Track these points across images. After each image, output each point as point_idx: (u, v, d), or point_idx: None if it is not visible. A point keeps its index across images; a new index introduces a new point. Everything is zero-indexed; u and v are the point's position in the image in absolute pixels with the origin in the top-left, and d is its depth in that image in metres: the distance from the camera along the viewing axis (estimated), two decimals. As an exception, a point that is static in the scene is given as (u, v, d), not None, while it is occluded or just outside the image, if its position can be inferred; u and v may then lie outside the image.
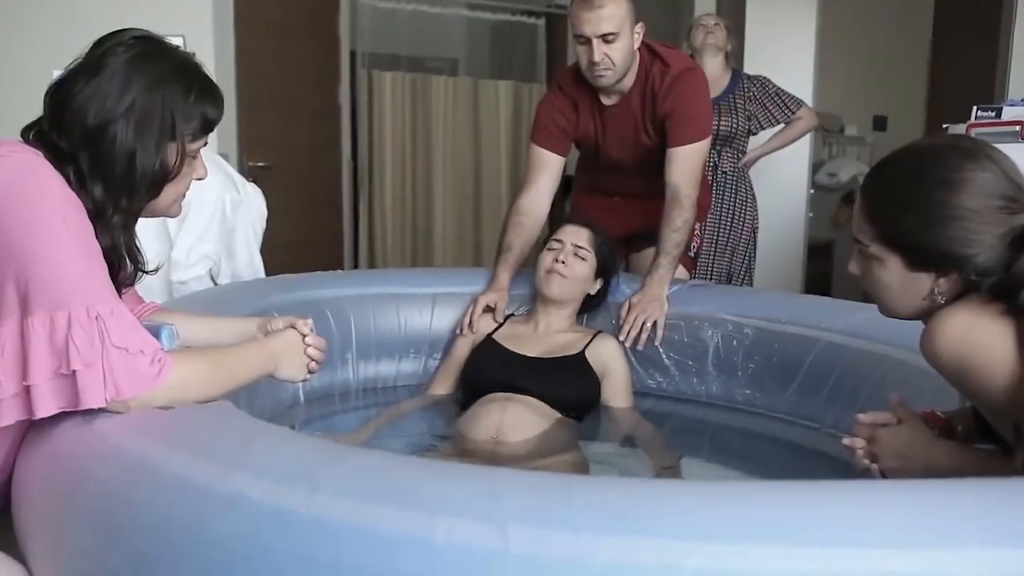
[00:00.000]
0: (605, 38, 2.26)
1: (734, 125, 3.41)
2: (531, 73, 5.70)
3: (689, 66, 2.44)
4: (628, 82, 2.39)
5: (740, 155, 3.52)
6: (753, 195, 3.55)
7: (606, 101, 2.43)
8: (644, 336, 2.26)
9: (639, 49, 2.37)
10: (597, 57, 2.27)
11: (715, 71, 3.40)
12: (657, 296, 2.29)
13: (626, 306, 2.30)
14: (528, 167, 2.56)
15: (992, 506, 0.87)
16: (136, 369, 1.18)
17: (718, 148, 3.39)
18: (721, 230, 3.45)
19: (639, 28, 2.34)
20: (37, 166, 1.20)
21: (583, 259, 2.27)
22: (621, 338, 2.25)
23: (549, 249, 2.29)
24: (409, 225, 5.37)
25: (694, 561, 0.80)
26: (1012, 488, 0.92)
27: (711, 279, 3.42)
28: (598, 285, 2.34)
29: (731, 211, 3.47)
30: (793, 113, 3.53)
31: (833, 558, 0.81)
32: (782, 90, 3.53)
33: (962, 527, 0.84)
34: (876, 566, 0.80)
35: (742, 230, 3.49)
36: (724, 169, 3.43)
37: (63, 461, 1.17)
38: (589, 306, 2.39)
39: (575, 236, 2.29)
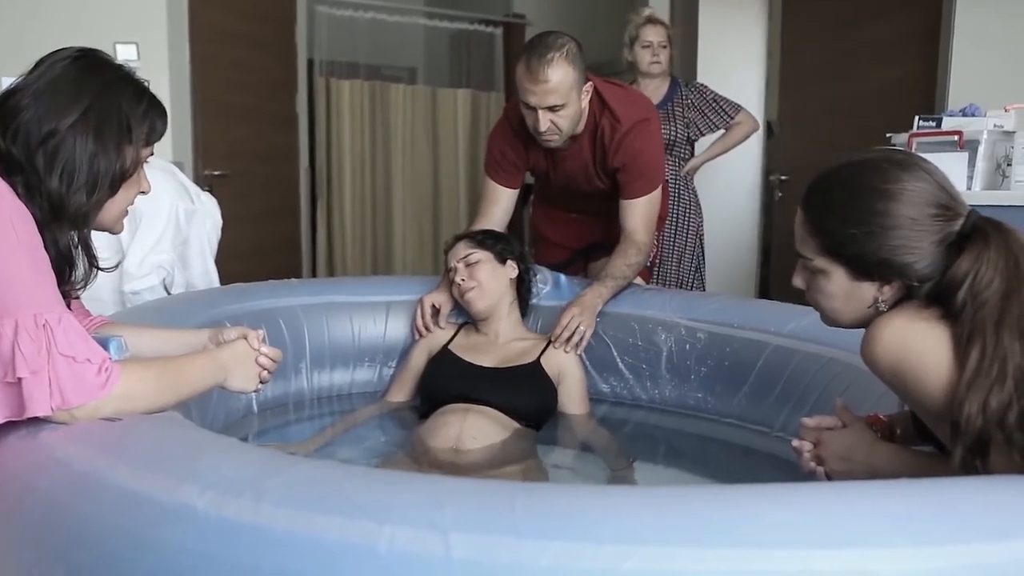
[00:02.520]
0: (552, 108, 2.24)
1: (673, 133, 3.44)
2: (489, 82, 5.73)
3: (640, 118, 2.39)
4: (578, 129, 2.37)
5: (682, 162, 3.55)
6: (697, 202, 3.59)
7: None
8: (576, 340, 2.23)
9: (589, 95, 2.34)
10: (543, 127, 2.26)
11: (656, 81, 3.46)
12: (592, 306, 2.29)
13: (562, 309, 2.30)
14: (482, 197, 2.59)
15: (918, 506, 0.91)
16: (82, 378, 1.17)
17: (675, 153, 3.43)
18: (666, 237, 3.49)
19: (587, 88, 2.30)
20: None
21: (476, 260, 2.28)
22: (553, 338, 2.24)
23: (451, 282, 2.31)
24: (368, 233, 5.37)
25: (631, 564, 0.82)
26: (936, 488, 0.95)
27: (668, 285, 3.46)
28: (513, 268, 2.33)
29: (674, 218, 3.50)
30: (732, 118, 3.53)
31: (762, 559, 0.83)
32: (720, 96, 3.54)
33: (888, 526, 0.87)
34: (805, 566, 0.82)
35: (687, 236, 3.53)
36: (666, 177, 3.46)
37: (5, 474, 1.16)
38: (525, 296, 2.39)
39: (455, 252, 2.32)
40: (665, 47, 3.46)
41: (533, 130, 2.31)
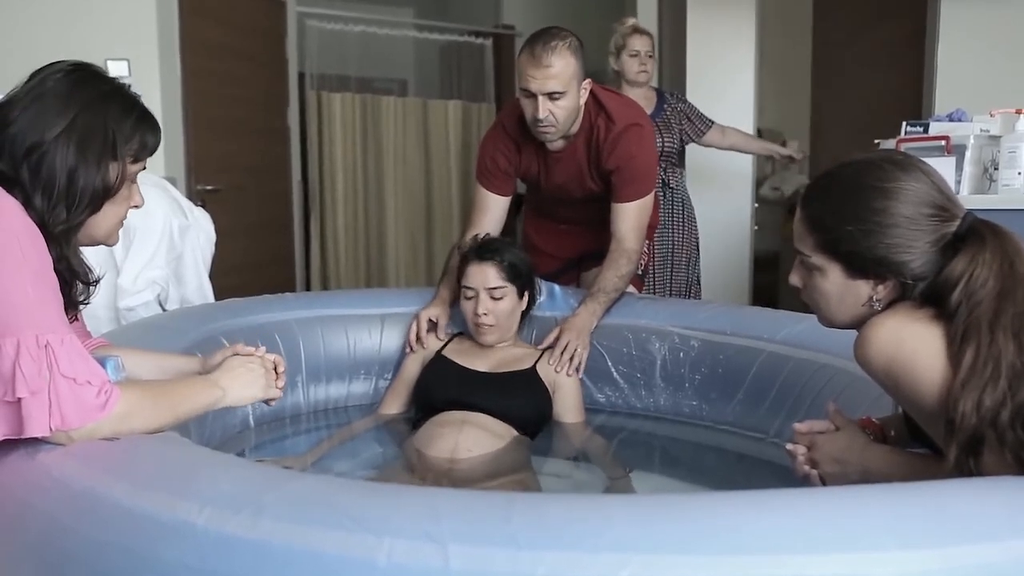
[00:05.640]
0: (551, 96, 2.25)
1: (670, 143, 3.47)
2: (480, 93, 5.74)
3: (634, 121, 2.41)
4: (573, 129, 2.39)
5: (682, 169, 3.59)
6: (692, 207, 3.65)
7: (551, 146, 2.43)
8: (573, 365, 2.24)
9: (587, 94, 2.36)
10: (541, 114, 2.27)
11: (642, 91, 3.48)
12: (585, 327, 2.30)
13: (557, 331, 2.30)
14: (473, 206, 2.59)
15: (909, 509, 0.92)
16: (82, 399, 1.18)
17: (663, 165, 3.45)
18: (677, 244, 3.53)
19: (586, 84, 2.32)
20: None
21: (500, 297, 2.23)
22: (551, 362, 2.23)
23: (466, 298, 2.25)
24: (361, 246, 5.37)
25: (627, 573, 0.82)
26: (926, 491, 0.97)
27: (673, 292, 3.50)
28: (525, 301, 2.33)
29: (683, 224, 3.55)
30: (705, 131, 3.60)
31: (757, 565, 0.84)
32: (695, 107, 3.64)
33: (880, 530, 0.88)
34: (799, 571, 0.83)
35: (692, 241, 3.59)
36: (672, 185, 3.50)
37: (4, 493, 1.16)
38: (525, 316, 2.39)
39: (483, 278, 2.21)
40: (651, 56, 3.49)
41: (531, 120, 2.31)
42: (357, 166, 5.27)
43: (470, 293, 2.24)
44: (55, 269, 1.26)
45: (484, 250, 2.26)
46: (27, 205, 1.23)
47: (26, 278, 1.17)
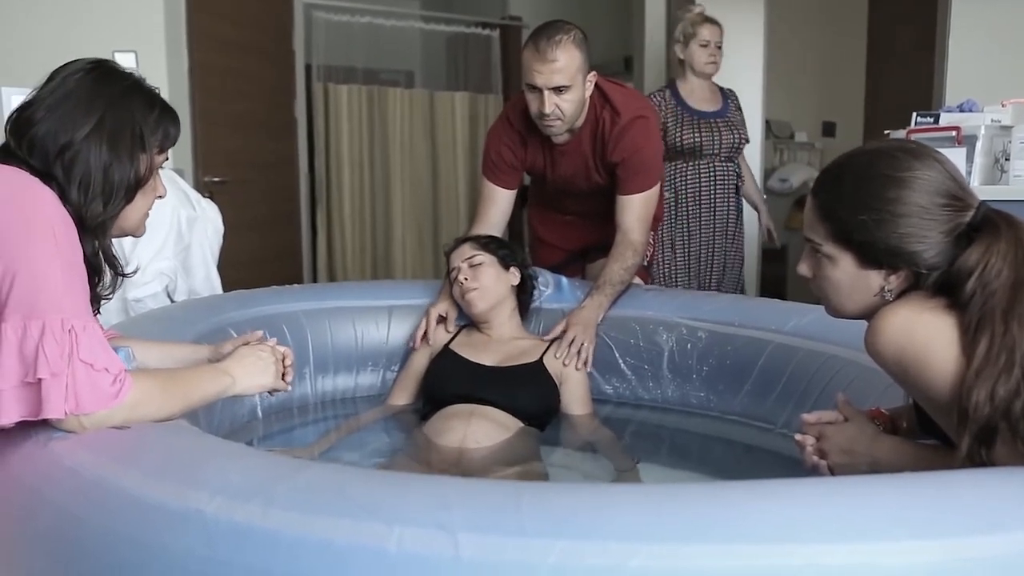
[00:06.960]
0: (557, 90, 2.25)
1: (738, 139, 3.41)
2: (487, 84, 5.73)
3: (639, 114, 2.40)
4: (579, 122, 2.39)
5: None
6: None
7: (556, 139, 2.43)
8: (581, 359, 2.23)
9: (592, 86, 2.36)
10: (548, 108, 2.27)
11: (707, 83, 3.43)
12: (591, 321, 2.30)
13: (564, 324, 2.29)
14: (479, 199, 2.60)
15: (920, 499, 0.92)
16: (98, 386, 1.20)
17: (735, 160, 3.43)
18: (739, 242, 3.52)
19: (591, 77, 2.33)
20: (31, 180, 1.25)
21: (479, 263, 2.29)
22: (558, 355, 2.22)
23: (452, 280, 2.32)
24: (368, 238, 5.37)
25: (637, 561, 0.83)
26: (937, 481, 0.97)
27: (723, 285, 3.49)
28: (515, 275, 2.35)
29: (744, 221, 3.53)
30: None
31: (767, 554, 0.84)
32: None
33: (891, 520, 0.88)
34: (810, 560, 0.83)
35: (742, 242, 3.58)
36: (738, 183, 3.48)
37: (16, 483, 1.17)
38: (526, 302, 2.40)
39: (460, 253, 2.33)
40: (720, 47, 3.40)
41: (537, 115, 2.31)
42: (364, 158, 5.28)
43: (453, 273, 2.32)
44: (89, 260, 1.31)
45: (457, 240, 2.43)
46: (63, 199, 1.27)
47: (57, 265, 1.20)
